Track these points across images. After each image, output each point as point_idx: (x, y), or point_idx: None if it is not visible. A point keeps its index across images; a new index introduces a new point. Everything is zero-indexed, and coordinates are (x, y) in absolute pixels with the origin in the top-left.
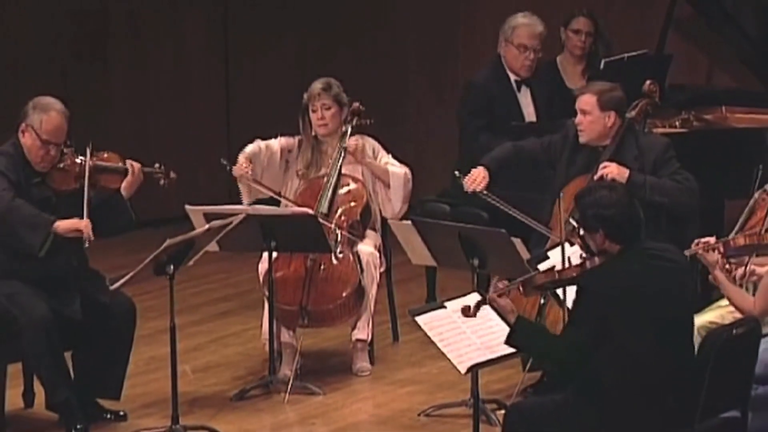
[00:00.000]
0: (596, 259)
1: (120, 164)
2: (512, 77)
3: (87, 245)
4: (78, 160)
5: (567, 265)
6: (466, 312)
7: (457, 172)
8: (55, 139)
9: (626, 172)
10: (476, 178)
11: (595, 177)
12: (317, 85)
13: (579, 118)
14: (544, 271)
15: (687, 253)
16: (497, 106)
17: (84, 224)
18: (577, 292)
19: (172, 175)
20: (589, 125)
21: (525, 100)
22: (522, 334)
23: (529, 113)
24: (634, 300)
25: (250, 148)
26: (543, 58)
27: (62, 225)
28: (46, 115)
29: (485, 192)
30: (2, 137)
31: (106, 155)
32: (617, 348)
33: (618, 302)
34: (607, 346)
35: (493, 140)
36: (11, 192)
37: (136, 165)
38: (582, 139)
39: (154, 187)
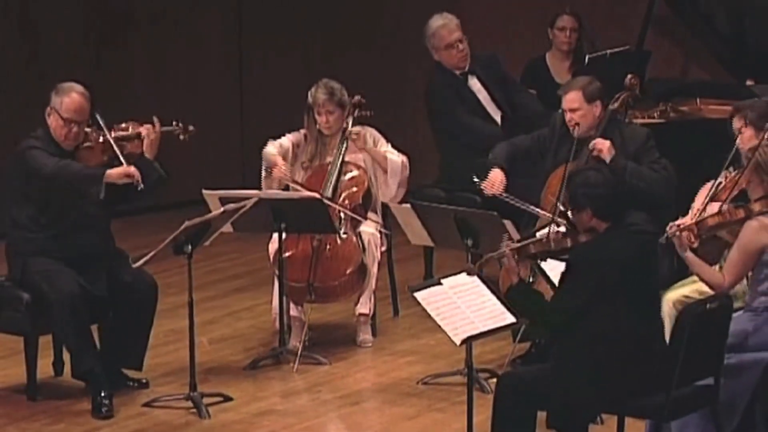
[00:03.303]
0: (583, 236)
1: (138, 130)
2: (457, 73)
3: (140, 188)
4: (100, 137)
5: (557, 235)
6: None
7: (476, 178)
8: (77, 118)
9: (612, 153)
10: (494, 182)
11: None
12: (321, 94)
13: (569, 116)
14: (537, 241)
15: (665, 235)
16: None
17: (132, 169)
18: (567, 265)
19: (191, 128)
20: (581, 119)
21: (476, 87)
22: (519, 293)
23: (484, 98)
24: (616, 272)
25: (275, 150)
26: (531, 54)
27: (113, 172)
28: (66, 96)
29: (504, 195)
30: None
31: (124, 125)
32: (598, 315)
33: (603, 271)
34: (593, 313)
35: (481, 122)
36: (55, 157)
37: (149, 127)
38: (576, 134)
39: (172, 174)
